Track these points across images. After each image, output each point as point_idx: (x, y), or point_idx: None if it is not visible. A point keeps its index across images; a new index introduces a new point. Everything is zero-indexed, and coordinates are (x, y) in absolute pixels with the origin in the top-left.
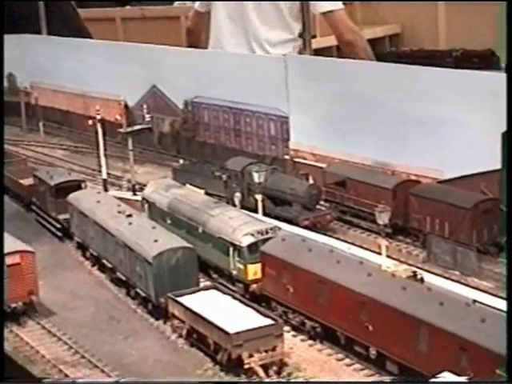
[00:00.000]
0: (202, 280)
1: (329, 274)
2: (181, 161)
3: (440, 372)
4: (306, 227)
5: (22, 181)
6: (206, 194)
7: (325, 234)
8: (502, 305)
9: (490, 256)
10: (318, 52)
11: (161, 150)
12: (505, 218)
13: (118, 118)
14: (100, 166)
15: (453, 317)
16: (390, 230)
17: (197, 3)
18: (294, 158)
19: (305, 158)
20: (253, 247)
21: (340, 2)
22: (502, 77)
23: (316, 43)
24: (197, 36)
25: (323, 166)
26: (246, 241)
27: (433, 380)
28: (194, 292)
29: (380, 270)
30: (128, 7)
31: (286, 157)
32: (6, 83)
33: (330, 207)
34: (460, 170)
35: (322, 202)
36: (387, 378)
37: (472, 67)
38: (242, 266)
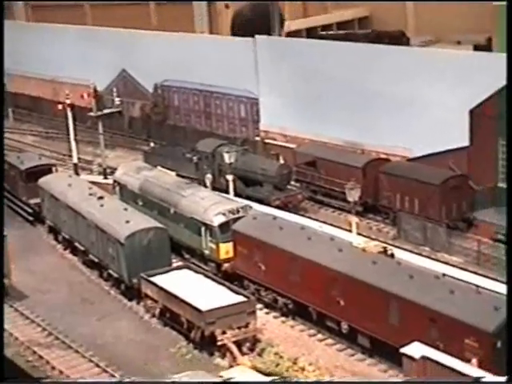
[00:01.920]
0: (174, 261)
1: (300, 250)
2: (151, 144)
3: (409, 343)
4: (277, 207)
5: None
6: (178, 175)
7: (296, 214)
8: (471, 278)
9: (459, 231)
10: (289, 35)
11: (131, 134)
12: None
13: (88, 102)
14: (71, 150)
15: (422, 289)
16: (361, 209)
17: None
18: (265, 140)
19: (275, 139)
20: (224, 226)
21: None
22: (470, 55)
23: (286, 26)
24: None
25: (293, 146)
26: (217, 220)
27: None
28: (166, 272)
29: (351, 246)
30: None
31: (257, 138)
32: None
33: (301, 187)
34: (429, 148)
35: (293, 183)
36: (359, 352)
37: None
38: (214, 246)
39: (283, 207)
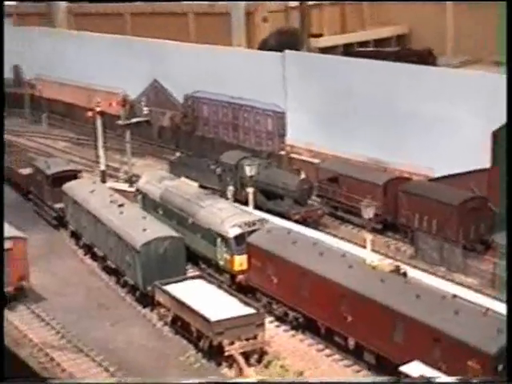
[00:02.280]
0: (191, 271)
1: (311, 265)
2: (177, 154)
3: (410, 361)
4: (296, 221)
5: (20, 170)
6: (201, 186)
7: (316, 229)
8: (485, 301)
9: (476, 253)
10: (325, 51)
11: (161, 143)
12: (494, 216)
13: (117, 110)
14: (98, 157)
15: (427, 309)
16: (380, 226)
17: None
18: (290, 154)
19: (300, 154)
20: (240, 238)
21: None
22: (495, 77)
23: (323, 42)
24: None
25: (317, 161)
26: (233, 232)
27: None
28: (180, 281)
29: (361, 263)
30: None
31: (282, 152)
32: (11, 75)
33: (322, 203)
34: (451, 169)
35: (315, 198)
36: (365, 369)
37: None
38: (228, 257)
39: (303, 222)
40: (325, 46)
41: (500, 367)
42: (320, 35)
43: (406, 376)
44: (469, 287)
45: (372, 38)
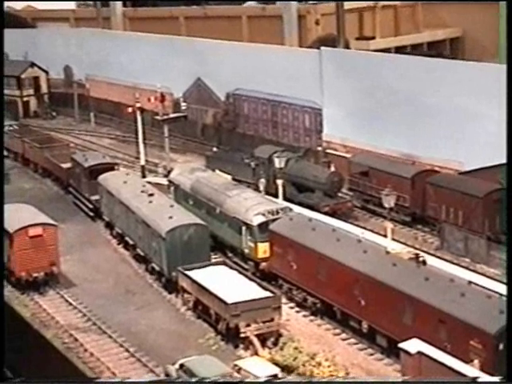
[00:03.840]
0: (219, 259)
1: (327, 250)
2: (214, 149)
3: (407, 338)
4: (326, 213)
5: (61, 164)
6: (235, 180)
7: (346, 221)
8: (500, 287)
9: (501, 245)
10: None
11: (203, 140)
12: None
13: (155, 106)
14: (139, 153)
15: (434, 291)
16: (409, 219)
17: None
18: (326, 150)
19: (336, 150)
20: (263, 226)
21: None
22: None
23: (375, 44)
24: None
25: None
26: (256, 220)
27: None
28: (203, 267)
29: (376, 248)
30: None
31: (319, 148)
32: (62, 75)
33: (354, 196)
34: (482, 162)
35: (346, 191)
36: (378, 352)
37: None
38: (252, 245)
39: (332, 214)
40: (376, 49)
41: (501, 346)
42: (372, 38)
43: (406, 352)
44: (491, 277)
45: (425, 41)
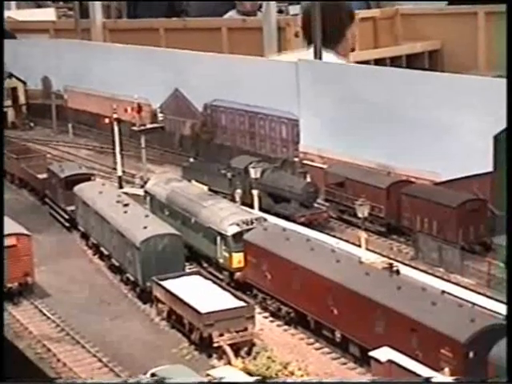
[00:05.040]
0: (195, 269)
1: (301, 260)
2: (191, 159)
3: (380, 347)
4: (302, 224)
5: (37, 175)
6: (212, 191)
7: (322, 232)
8: (478, 299)
9: (475, 255)
10: None
11: (181, 152)
12: (495, 219)
13: (132, 116)
14: (116, 163)
15: (406, 300)
16: (384, 229)
17: None
18: (303, 160)
19: (313, 160)
20: (238, 236)
21: None
22: (499, 81)
23: (354, 56)
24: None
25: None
26: (231, 230)
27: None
28: (177, 277)
29: (349, 257)
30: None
31: (296, 159)
32: (40, 86)
33: (330, 207)
34: (456, 173)
35: (322, 202)
36: (351, 362)
37: None
38: (227, 255)
39: (308, 224)
40: (356, 61)
41: (471, 354)
42: (352, 50)
43: (376, 360)
44: (464, 287)
45: (403, 53)
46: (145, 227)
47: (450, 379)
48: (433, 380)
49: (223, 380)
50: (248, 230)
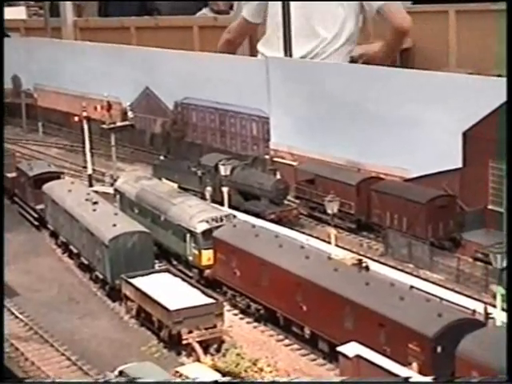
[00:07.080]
0: (164, 267)
1: (269, 256)
2: (161, 157)
3: (347, 342)
4: (272, 221)
5: (7, 174)
6: (182, 188)
7: (292, 229)
8: (446, 294)
9: (445, 251)
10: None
11: (152, 150)
12: (464, 215)
13: (102, 115)
14: (86, 162)
15: (374, 295)
16: (354, 226)
17: (249, 14)
18: (273, 158)
19: (283, 158)
20: (207, 234)
21: None
22: (468, 78)
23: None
24: (236, 48)
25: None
26: (200, 227)
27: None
28: (146, 274)
29: (318, 254)
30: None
31: (266, 156)
32: (10, 85)
33: (301, 204)
34: (426, 169)
35: (293, 199)
36: (320, 358)
37: None
38: (196, 252)
39: (278, 221)
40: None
41: (439, 349)
42: None
43: (344, 356)
44: (433, 282)
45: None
46: (114, 225)
47: (428, 379)
48: (411, 380)
49: (196, 380)
50: (217, 227)
